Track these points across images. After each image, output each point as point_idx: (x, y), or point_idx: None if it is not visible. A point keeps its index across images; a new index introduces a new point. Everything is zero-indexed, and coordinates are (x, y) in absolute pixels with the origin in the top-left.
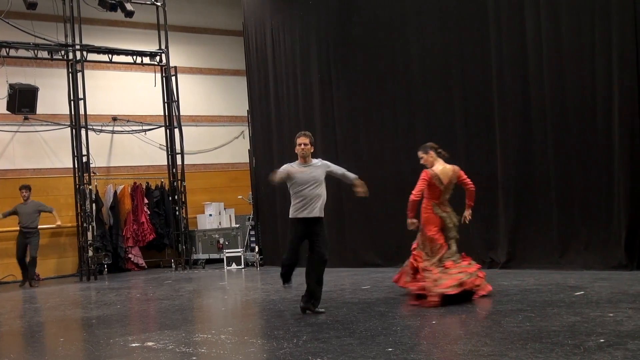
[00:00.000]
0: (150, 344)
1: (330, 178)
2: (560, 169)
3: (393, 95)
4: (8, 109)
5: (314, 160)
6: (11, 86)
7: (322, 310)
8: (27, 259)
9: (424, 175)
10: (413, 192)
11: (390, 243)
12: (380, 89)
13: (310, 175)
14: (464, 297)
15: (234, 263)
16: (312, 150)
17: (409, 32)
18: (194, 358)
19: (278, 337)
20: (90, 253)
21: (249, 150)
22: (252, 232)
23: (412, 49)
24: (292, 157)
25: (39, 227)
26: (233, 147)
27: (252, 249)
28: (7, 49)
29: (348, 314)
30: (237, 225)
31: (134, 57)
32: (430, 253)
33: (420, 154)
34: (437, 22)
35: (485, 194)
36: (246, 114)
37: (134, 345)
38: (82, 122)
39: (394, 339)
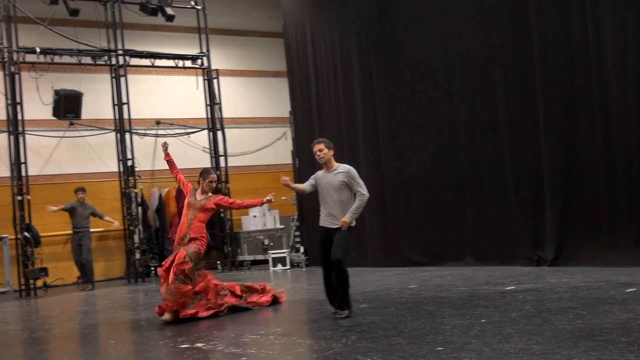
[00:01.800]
0: (199, 345)
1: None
2: (607, 164)
3: (434, 92)
4: (54, 114)
5: (339, 166)
6: (56, 92)
7: (342, 314)
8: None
9: None
10: None
11: (435, 241)
12: (421, 85)
13: (329, 181)
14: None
15: (279, 264)
16: (331, 154)
17: (448, 27)
18: (244, 358)
19: (326, 337)
20: (138, 256)
21: (291, 151)
22: (297, 233)
23: (452, 45)
24: (335, 155)
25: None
26: (275, 148)
27: (297, 250)
28: (52, 56)
29: (396, 314)
30: (282, 226)
31: (176, 60)
32: None
33: None
34: (477, 16)
35: (531, 191)
36: (288, 115)
37: (183, 346)
38: (126, 126)
39: (443, 338)
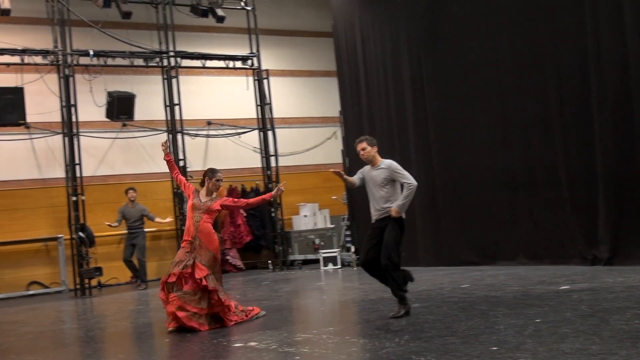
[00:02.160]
0: (253, 344)
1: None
2: None
3: (485, 89)
4: (107, 116)
5: (381, 162)
6: (109, 94)
7: (392, 314)
8: (136, 261)
9: None
10: None
11: (487, 240)
12: (472, 83)
13: (373, 178)
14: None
15: (330, 263)
16: (374, 151)
17: (499, 23)
18: (297, 357)
19: (379, 337)
20: None
21: (342, 150)
22: (348, 232)
23: (503, 42)
24: (385, 154)
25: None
26: (326, 148)
27: (348, 249)
28: (105, 58)
29: (449, 313)
30: (332, 226)
31: (226, 61)
32: None
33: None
34: (529, 13)
35: (585, 189)
36: (338, 115)
37: (237, 345)
38: (178, 127)
39: (497, 337)
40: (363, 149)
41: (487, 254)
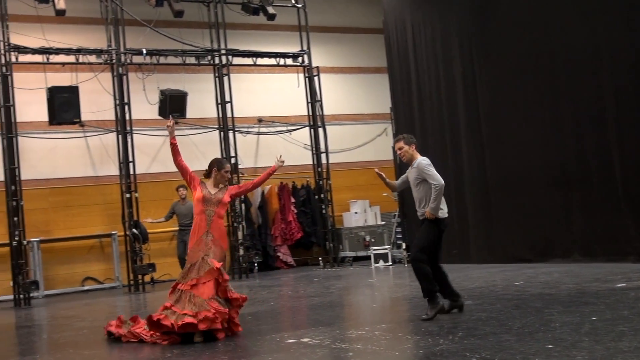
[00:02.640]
0: (305, 340)
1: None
2: None
3: (538, 86)
4: (160, 114)
5: (415, 161)
6: (162, 92)
7: (422, 316)
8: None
9: None
10: None
11: (540, 237)
12: (524, 79)
13: (410, 177)
14: None
15: (381, 260)
16: (412, 150)
17: (553, 19)
18: (351, 354)
19: (432, 334)
20: (241, 252)
21: (392, 147)
22: (398, 229)
23: (556, 37)
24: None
25: None
26: (376, 145)
27: (399, 246)
28: (158, 57)
29: (502, 310)
30: (383, 223)
31: (277, 59)
32: None
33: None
34: (582, 8)
35: None
36: (389, 111)
37: (290, 341)
38: (229, 125)
39: (553, 335)
40: (400, 149)
41: (540, 251)
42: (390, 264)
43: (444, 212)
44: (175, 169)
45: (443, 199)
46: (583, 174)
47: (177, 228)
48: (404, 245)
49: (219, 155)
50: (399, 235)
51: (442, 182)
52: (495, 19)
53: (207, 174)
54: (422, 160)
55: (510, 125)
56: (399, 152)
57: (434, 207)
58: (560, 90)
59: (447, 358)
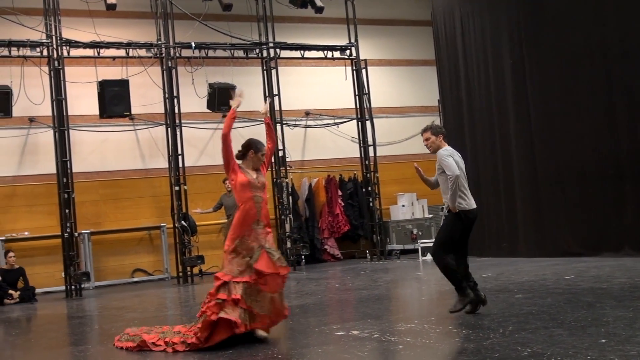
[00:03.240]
0: (355, 332)
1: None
2: None
3: (590, 78)
4: (208, 107)
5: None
6: (210, 85)
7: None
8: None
9: None
10: None
11: (591, 231)
12: (575, 69)
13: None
14: None
15: (428, 253)
16: (439, 140)
17: (605, 7)
18: (400, 347)
19: (483, 327)
20: (289, 244)
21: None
22: None
23: (609, 25)
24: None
25: None
26: None
27: None
28: (206, 50)
29: (554, 304)
30: (430, 216)
31: (325, 52)
32: None
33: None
34: None
35: None
36: (437, 104)
37: (339, 333)
38: (277, 118)
39: (606, 330)
40: (427, 139)
41: (591, 244)
42: None
43: (466, 204)
44: (221, 162)
45: (466, 191)
46: (636, 167)
47: (225, 220)
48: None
49: None
50: None
51: (457, 172)
52: (546, 9)
53: (242, 155)
54: (442, 151)
55: (561, 118)
56: (425, 142)
57: (450, 198)
58: (612, 81)
59: (498, 352)
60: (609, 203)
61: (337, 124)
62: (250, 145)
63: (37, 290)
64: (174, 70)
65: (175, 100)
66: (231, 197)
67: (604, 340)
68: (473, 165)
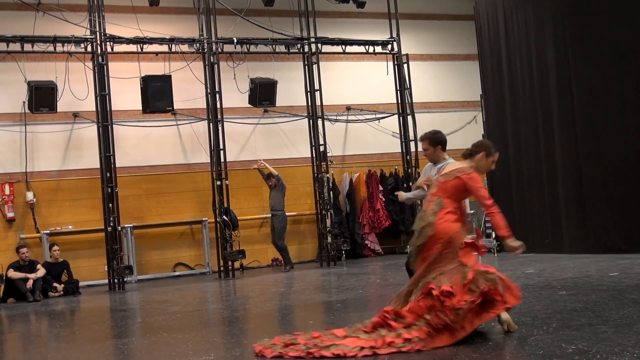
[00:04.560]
0: None
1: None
2: None
3: (636, 71)
4: (250, 102)
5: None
6: (252, 81)
7: None
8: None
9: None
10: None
11: (636, 228)
12: (621, 64)
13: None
14: None
15: None
16: (437, 152)
17: None
18: None
19: (526, 324)
20: (329, 239)
21: (482, 135)
22: (487, 219)
23: None
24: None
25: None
26: (466, 133)
27: (488, 235)
28: (248, 46)
29: (598, 301)
30: (472, 211)
31: (366, 46)
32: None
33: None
34: None
35: None
36: (479, 99)
37: None
38: (318, 113)
39: None
40: (424, 150)
41: (636, 241)
42: None
43: None
44: (264, 157)
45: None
46: None
47: (266, 215)
48: (493, 235)
49: (307, 143)
50: (488, 225)
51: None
52: (590, 3)
53: (470, 154)
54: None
55: (605, 113)
56: (424, 152)
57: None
58: None
59: (542, 349)
60: None
61: (378, 119)
62: (486, 147)
63: (81, 284)
64: (216, 66)
65: (217, 96)
66: (274, 190)
67: None
68: (516, 161)
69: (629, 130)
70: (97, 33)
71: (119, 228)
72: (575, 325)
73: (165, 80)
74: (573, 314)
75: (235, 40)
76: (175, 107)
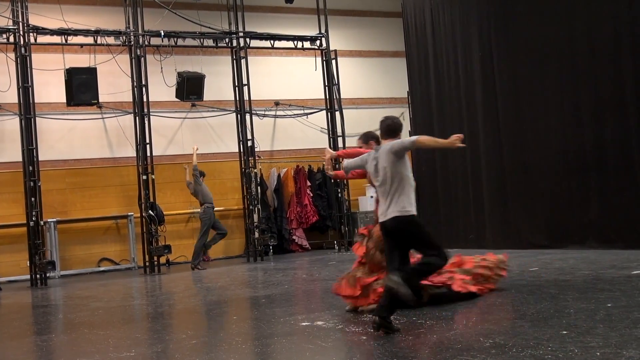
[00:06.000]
0: (319, 323)
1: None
2: None
3: (558, 71)
4: (177, 96)
5: None
6: (179, 74)
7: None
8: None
9: None
10: None
11: (556, 223)
12: (544, 64)
13: None
14: None
15: None
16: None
17: (573, 3)
18: (364, 337)
19: (447, 319)
20: (257, 235)
21: (409, 131)
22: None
23: (577, 20)
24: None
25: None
26: None
27: None
28: (175, 39)
29: (517, 296)
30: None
31: (295, 42)
32: None
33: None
34: None
35: None
36: (406, 96)
37: (304, 324)
38: (247, 108)
39: (567, 321)
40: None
41: (556, 237)
42: None
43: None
44: (191, 152)
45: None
46: (601, 160)
47: (192, 210)
48: None
49: (235, 138)
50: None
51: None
52: (516, 3)
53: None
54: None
55: (529, 110)
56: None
57: None
58: (580, 76)
59: (461, 343)
60: (574, 195)
61: (307, 114)
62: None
63: (2, 279)
64: (142, 59)
65: (144, 89)
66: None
67: (565, 332)
68: (441, 158)
69: (550, 127)
70: (20, 23)
71: (42, 223)
72: (494, 319)
73: (91, 72)
74: (492, 308)
75: (162, 34)
76: (100, 100)
